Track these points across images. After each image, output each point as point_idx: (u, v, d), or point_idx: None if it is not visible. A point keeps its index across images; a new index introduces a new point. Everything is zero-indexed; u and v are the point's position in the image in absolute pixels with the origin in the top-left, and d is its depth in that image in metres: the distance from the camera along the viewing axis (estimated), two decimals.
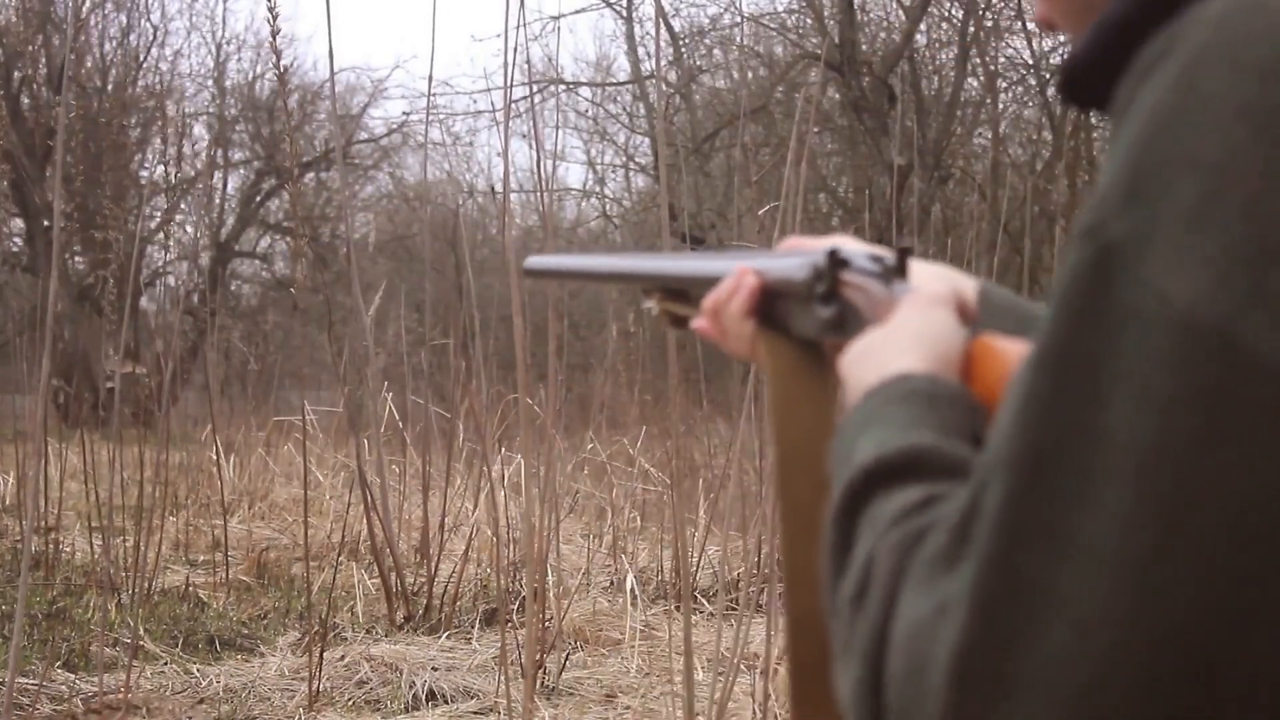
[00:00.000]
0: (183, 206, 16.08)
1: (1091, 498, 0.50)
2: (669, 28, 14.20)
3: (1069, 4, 0.73)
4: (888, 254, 0.81)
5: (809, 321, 0.82)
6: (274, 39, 4.19)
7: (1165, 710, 0.49)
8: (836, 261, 0.80)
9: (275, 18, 4.12)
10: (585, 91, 16.73)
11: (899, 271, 0.79)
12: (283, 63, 4.38)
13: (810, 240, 0.91)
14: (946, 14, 14.82)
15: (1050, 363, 0.52)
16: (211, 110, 18.50)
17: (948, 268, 0.87)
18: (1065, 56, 0.65)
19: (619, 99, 16.87)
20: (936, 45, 15.15)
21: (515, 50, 3.73)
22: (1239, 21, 0.52)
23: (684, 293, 0.97)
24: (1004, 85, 14.87)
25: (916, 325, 0.73)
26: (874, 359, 0.72)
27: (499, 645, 3.80)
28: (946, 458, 0.62)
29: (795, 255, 0.85)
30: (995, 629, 0.51)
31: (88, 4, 16.54)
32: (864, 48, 14.22)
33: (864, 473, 0.64)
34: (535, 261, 1.22)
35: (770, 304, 0.86)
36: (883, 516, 0.61)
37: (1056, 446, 0.51)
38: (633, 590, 4.74)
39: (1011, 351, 0.71)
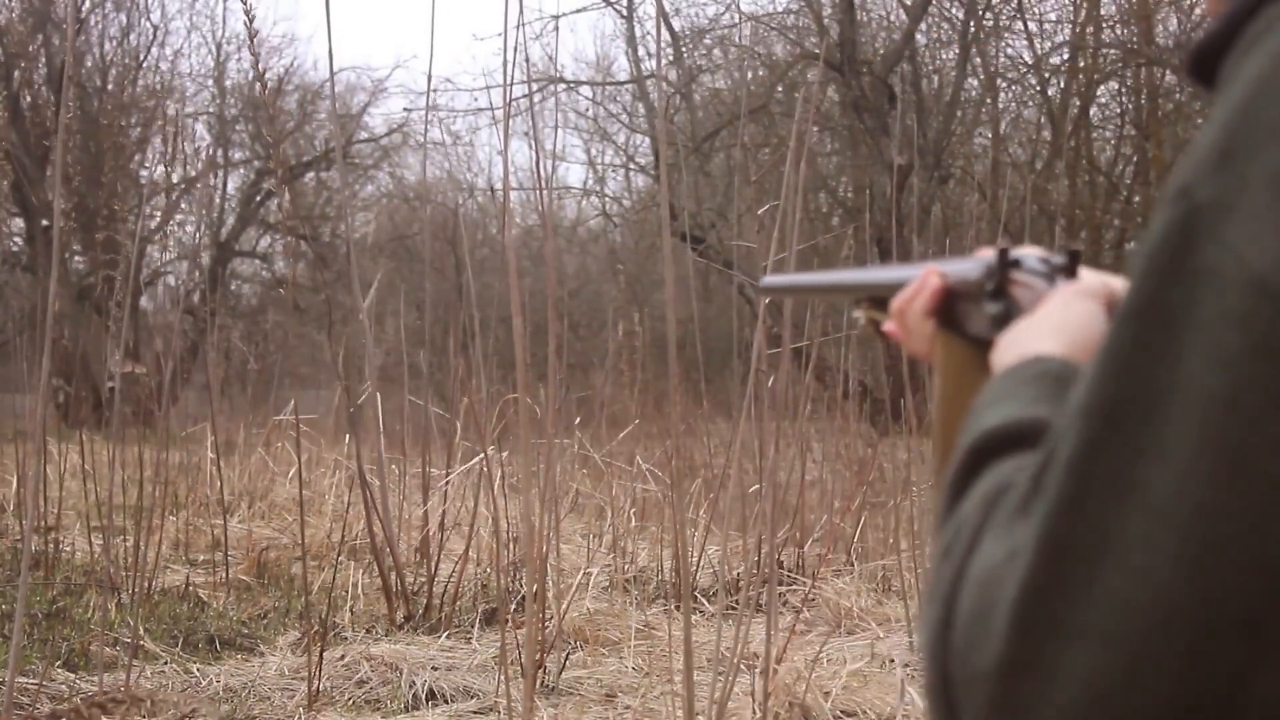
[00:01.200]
0: (183, 206, 16.09)
1: (1159, 449, 0.51)
2: (669, 27, 14.20)
3: None
4: (1058, 257, 0.84)
5: (980, 319, 0.85)
6: (252, 40, 4.19)
7: (1218, 662, 0.50)
8: (1006, 261, 0.83)
9: (252, 20, 4.12)
10: (585, 91, 16.74)
11: (1068, 271, 0.82)
12: (282, 62, 4.39)
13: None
14: (946, 14, 14.82)
15: (1131, 318, 0.54)
16: (211, 110, 18.51)
17: (1110, 276, 0.90)
18: (1198, 37, 0.66)
19: (619, 98, 16.89)
20: (937, 45, 15.15)
21: (515, 49, 3.73)
22: None
23: (886, 301, 1.01)
24: (1004, 85, 14.87)
25: (1060, 313, 0.76)
26: (1017, 344, 0.75)
27: (499, 645, 3.80)
28: None
29: (981, 260, 0.89)
30: (1058, 573, 0.53)
31: (87, 4, 16.54)
32: (864, 47, 14.22)
33: (983, 438, 0.66)
34: (771, 281, 1.30)
35: (951, 304, 0.89)
36: (992, 481, 0.63)
37: (1130, 398, 0.53)
38: (642, 586, 4.74)
39: None
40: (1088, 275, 0.85)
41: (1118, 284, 0.87)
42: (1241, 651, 0.50)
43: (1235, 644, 0.50)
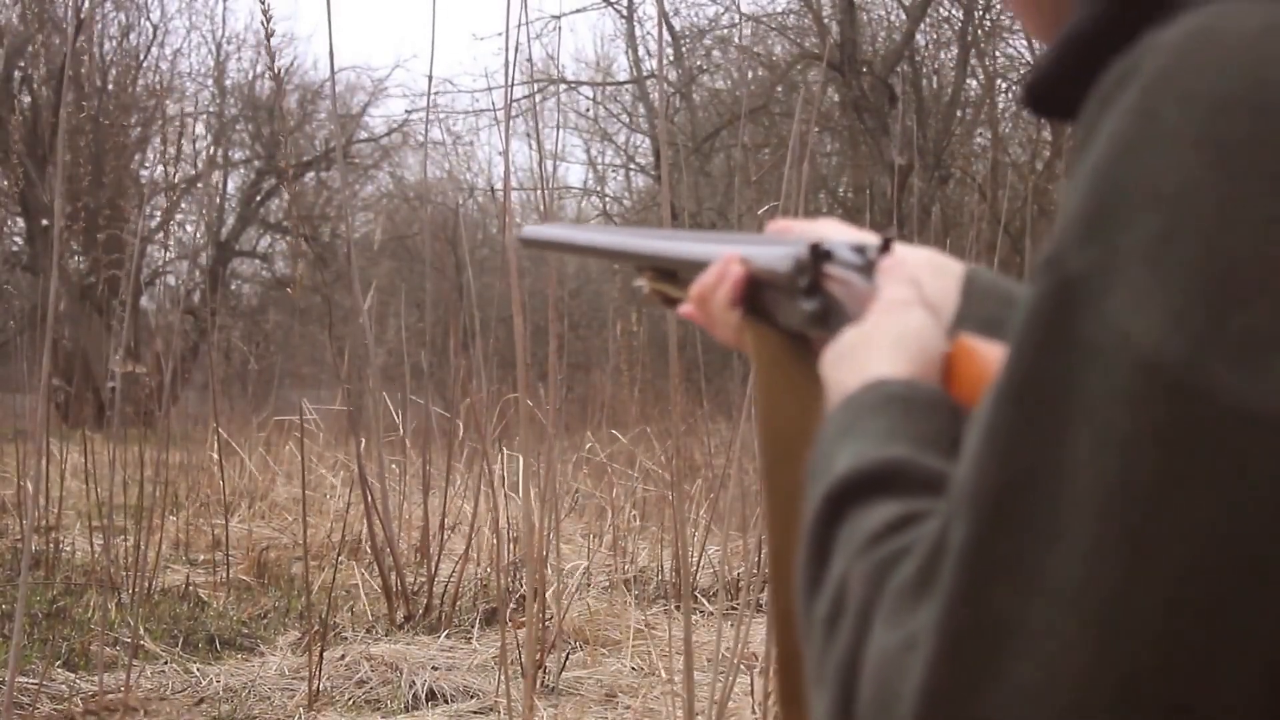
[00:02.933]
0: (183, 206, 16.10)
1: (1056, 535, 0.49)
2: (670, 27, 14.20)
3: (1037, 15, 0.72)
4: (873, 242, 0.81)
5: (793, 313, 0.81)
6: (268, 40, 4.19)
7: None
8: (819, 255, 0.79)
9: (269, 19, 4.11)
10: (585, 91, 16.74)
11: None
12: (282, 62, 4.38)
13: (799, 224, 0.91)
14: (947, 14, 14.82)
15: (1013, 396, 0.52)
16: (211, 110, 18.51)
17: (935, 252, 0.87)
18: (1032, 66, 0.65)
19: (619, 98, 16.89)
20: (937, 45, 15.16)
21: (516, 49, 3.73)
22: (1195, 51, 0.51)
23: (674, 274, 0.96)
24: (1004, 85, 14.87)
25: (895, 327, 0.72)
26: (852, 362, 0.72)
27: (499, 645, 3.80)
28: (923, 472, 0.62)
29: (782, 243, 0.85)
30: (962, 666, 0.51)
31: (87, 4, 16.54)
32: (864, 48, 14.22)
33: (840, 485, 0.63)
34: (532, 231, 1.21)
35: (756, 293, 0.85)
36: (858, 534, 0.61)
37: (1020, 483, 0.51)
38: (642, 586, 4.74)
39: (991, 354, 0.70)
40: (913, 259, 0.82)
41: (952, 267, 0.85)
42: None
43: None
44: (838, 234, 0.86)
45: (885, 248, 0.80)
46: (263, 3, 4.10)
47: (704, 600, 4.95)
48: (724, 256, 0.87)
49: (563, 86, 14.61)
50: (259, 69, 18.81)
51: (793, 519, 0.76)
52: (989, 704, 0.50)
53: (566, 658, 4.23)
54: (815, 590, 0.62)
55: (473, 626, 4.72)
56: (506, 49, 3.66)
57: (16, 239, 17.19)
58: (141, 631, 4.34)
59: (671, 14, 14.29)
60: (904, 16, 14.60)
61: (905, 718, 0.52)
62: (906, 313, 0.73)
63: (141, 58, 17.75)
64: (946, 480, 0.61)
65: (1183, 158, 0.50)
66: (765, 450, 0.81)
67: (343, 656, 4.25)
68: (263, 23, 4.13)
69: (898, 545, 0.58)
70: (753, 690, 3.71)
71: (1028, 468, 0.51)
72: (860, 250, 0.79)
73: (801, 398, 0.81)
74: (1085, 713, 0.49)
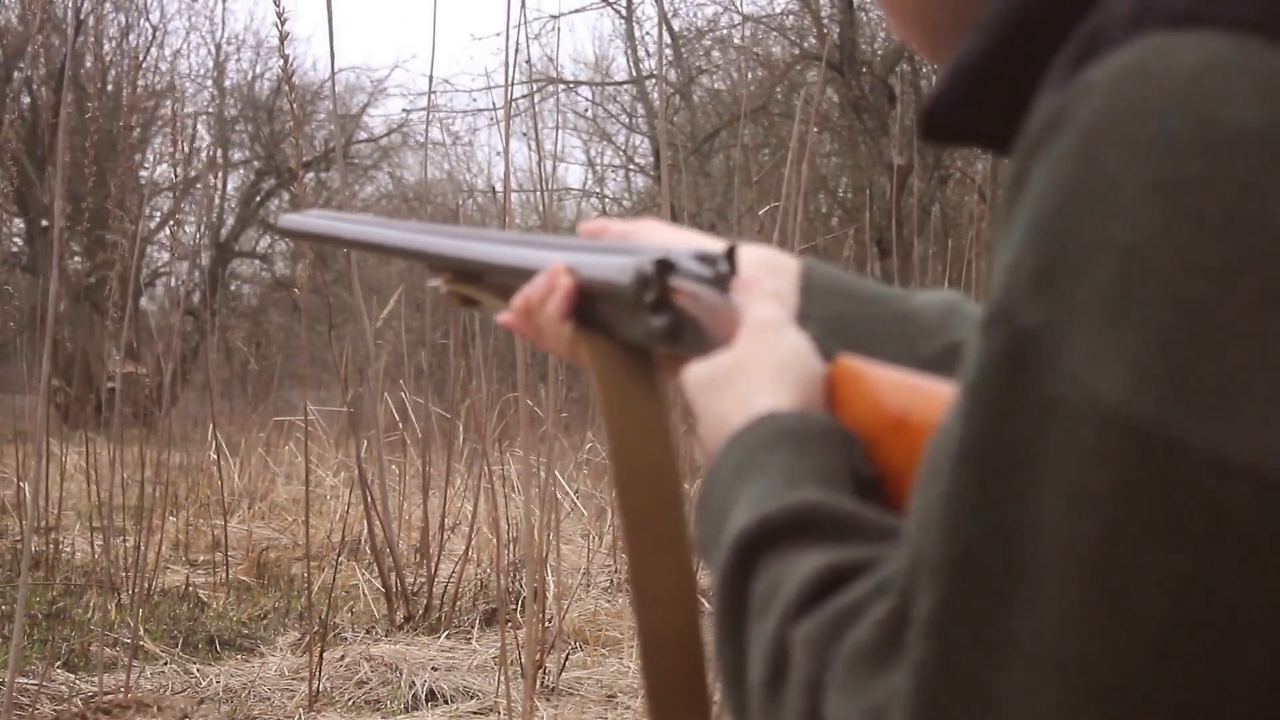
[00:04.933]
0: (183, 206, 16.09)
1: (1030, 600, 0.48)
2: (669, 28, 14.21)
3: (919, 32, 0.71)
4: (714, 248, 0.78)
5: (636, 328, 0.77)
6: (281, 42, 4.19)
7: None
8: (665, 268, 0.75)
9: (284, 21, 4.11)
10: (585, 91, 16.74)
11: (733, 274, 0.75)
12: (283, 63, 4.38)
13: (617, 224, 0.87)
14: None
15: (971, 458, 0.50)
16: (211, 110, 18.52)
17: (769, 249, 0.84)
18: (927, 95, 0.62)
19: (619, 99, 16.89)
20: None
21: (515, 49, 3.74)
22: (1131, 91, 0.49)
23: (479, 276, 0.91)
24: None
25: (772, 354, 0.70)
26: (731, 392, 0.69)
27: (499, 645, 3.80)
28: (835, 513, 0.61)
29: (608, 250, 0.81)
30: None
31: (87, 4, 16.55)
32: (863, 48, 14.22)
33: (748, 536, 0.61)
34: (292, 220, 1.11)
35: (589, 305, 0.80)
36: (784, 588, 0.59)
37: (988, 548, 0.49)
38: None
39: (875, 375, 0.69)
40: (752, 259, 0.79)
41: (787, 264, 0.82)
42: None
43: None
44: (670, 238, 0.83)
45: (730, 257, 0.76)
46: (277, 5, 4.10)
47: (703, 600, 4.95)
48: (551, 266, 0.82)
49: (562, 87, 14.62)
50: (259, 69, 18.83)
51: (651, 536, 0.75)
52: None
53: (566, 658, 4.23)
54: (737, 646, 0.60)
55: (473, 627, 4.72)
56: (505, 49, 3.67)
57: (16, 239, 17.19)
58: (141, 632, 4.34)
59: (671, 14, 14.29)
60: None
61: None
62: (780, 336, 0.71)
63: (141, 58, 17.75)
64: (861, 521, 0.60)
65: (1133, 204, 0.48)
66: (615, 468, 0.77)
67: (343, 657, 4.25)
68: (276, 25, 4.12)
69: (841, 605, 0.56)
70: None
71: (994, 532, 0.49)
72: (705, 260, 0.76)
73: (646, 412, 0.79)
74: None
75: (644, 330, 0.77)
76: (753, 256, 0.80)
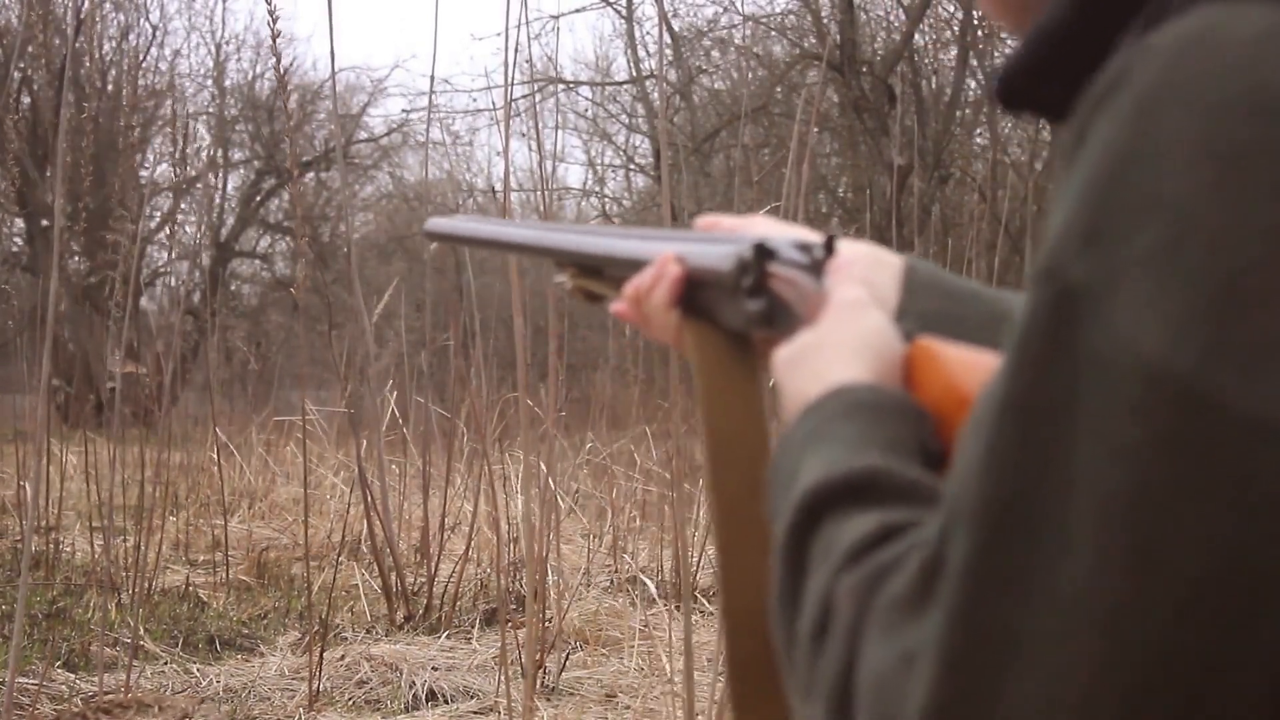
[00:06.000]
0: (183, 206, 16.09)
1: (1062, 548, 0.49)
2: (669, 28, 14.20)
3: (1009, 8, 0.72)
4: (815, 239, 0.80)
5: (736, 313, 0.80)
6: (274, 40, 4.19)
7: None
8: (763, 253, 0.78)
9: (275, 20, 4.12)
10: (585, 91, 16.74)
11: (830, 260, 0.77)
12: (282, 63, 4.38)
13: (729, 220, 0.89)
14: (947, 14, 14.82)
15: (1014, 409, 0.51)
16: (211, 110, 18.51)
17: (874, 246, 0.86)
18: (1004, 60, 0.64)
19: (619, 99, 16.89)
20: (936, 45, 15.15)
21: (515, 49, 3.73)
22: (1192, 56, 0.51)
23: (599, 270, 0.94)
24: None
25: (853, 331, 0.71)
26: (811, 367, 0.71)
27: (499, 645, 3.80)
28: (898, 479, 0.62)
29: (718, 240, 0.83)
30: (966, 683, 0.50)
31: (87, 4, 16.54)
32: (864, 48, 14.22)
33: (813, 495, 0.62)
34: (437, 224, 1.17)
35: (694, 292, 0.83)
36: (837, 546, 0.60)
37: (1025, 496, 0.50)
38: (644, 588, 4.74)
39: (950, 355, 0.70)
40: (854, 254, 0.81)
41: (891, 260, 0.84)
42: None
43: None
44: (776, 231, 0.85)
45: (829, 246, 0.79)
46: (269, 4, 4.10)
47: (704, 600, 4.95)
48: (661, 256, 0.85)
49: (562, 87, 14.63)
50: (259, 69, 18.82)
51: (742, 522, 0.76)
52: (994, 718, 0.49)
53: (566, 658, 4.23)
54: (794, 603, 0.61)
55: (473, 627, 4.72)
56: (505, 49, 3.66)
57: (17, 239, 17.19)
58: (141, 632, 4.34)
59: (671, 14, 14.29)
60: (904, 17, 14.60)
61: None
62: (863, 315, 0.72)
63: (141, 58, 17.75)
64: (922, 488, 0.61)
65: (1185, 165, 0.49)
66: (710, 453, 0.79)
67: (343, 657, 4.25)
68: (269, 23, 4.13)
69: (884, 558, 0.57)
70: None
71: (1033, 481, 0.50)
72: (804, 248, 0.78)
73: (745, 398, 0.80)
74: None
75: (742, 315, 0.79)
76: (856, 251, 0.82)
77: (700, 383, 0.81)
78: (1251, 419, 0.47)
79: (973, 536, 0.51)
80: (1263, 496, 0.47)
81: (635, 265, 0.88)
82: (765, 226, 0.87)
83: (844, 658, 0.56)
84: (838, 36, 13.21)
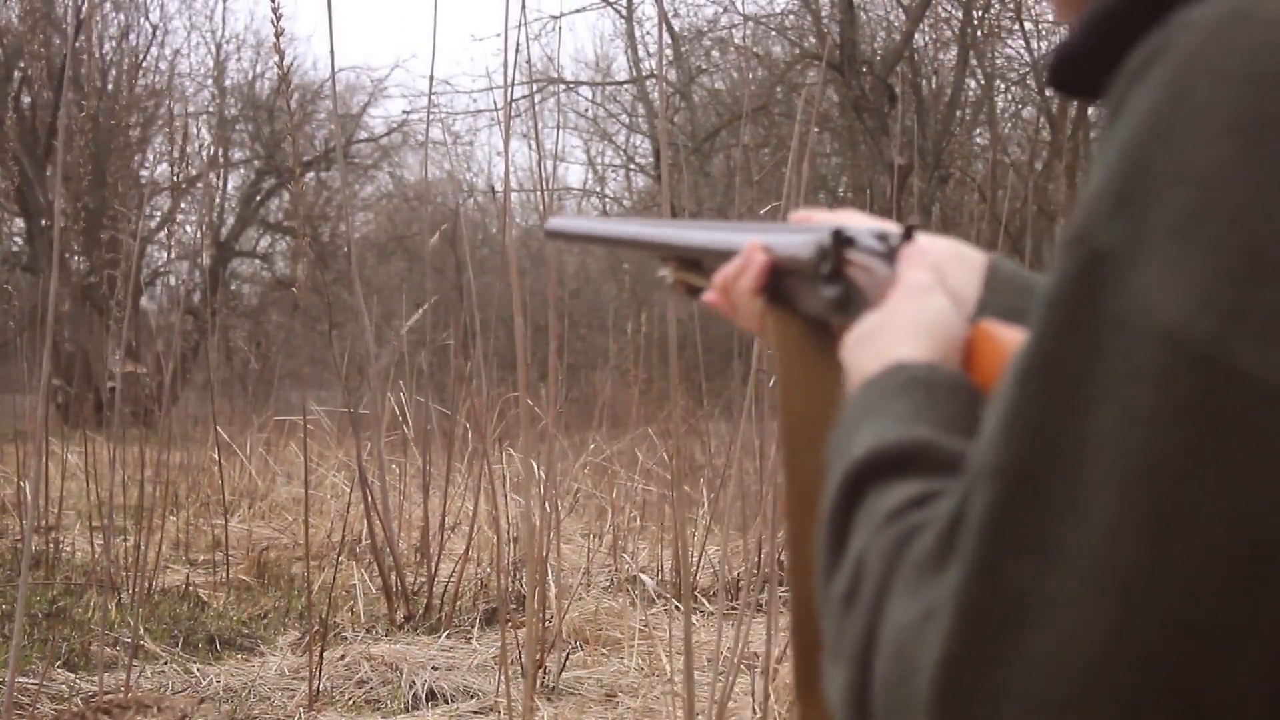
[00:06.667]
0: (183, 206, 16.09)
1: (1077, 509, 0.50)
2: (669, 28, 14.20)
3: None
4: (894, 230, 0.81)
5: (814, 299, 0.82)
6: (277, 39, 4.19)
7: None
8: (841, 241, 0.79)
9: (279, 18, 4.12)
10: (585, 91, 16.74)
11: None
12: (285, 62, 4.37)
13: (821, 213, 0.91)
14: (946, 14, 14.82)
15: (1037, 370, 0.52)
16: (211, 110, 18.51)
17: (959, 242, 0.87)
18: (1057, 45, 0.65)
19: (619, 99, 16.89)
20: (936, 45, 15.15)
21: (515, 50, 3.74)
22: (1229, 30, 0.52)
23: (698, 263, 0.97)
24: (1003, 85, 14.87)
25: (915, 311, 0.73)
26: (873, 345, 0.72)
27: (499, 645, 3.80)
28: (943, 452, 0.62)
29: (803, 230, 0.85)
30: (980, 639, 0.51)
31: (87, 4, 16.54)
32: (864, 48, 14.22)
33: (860, 465, 0.64)
34: (557, 223, 1.21)
35: (779, 281, 0.86)
36: (878, 513, 0.61)
37: (1042, 456, 0.51)
38: (646, 588, 4.74)
39: (1011, 338, 0.71)
40: (935, 248, 0.82)
41: (973, 257, 0.85)
42: (1172, 715, 0.48)
43: (1168, 709, 0.48)
44: (860, 222, 0.87)
45: (908, 236, 0.80)
46: (273, 3, 4.10)
47: (704, 600, 4.95)
48: (748, 245, 0.88)
49: (562, 87, 14.62)
50: (259, 69, 18.82)
51: (813, 507, 0.76)
52: (1006, 675, 0.50)
53: (566, 658, 4.23)
54: (834, 569, 0.62)
55: (473, 626, 4.71)
56: (506, 49, 3.66)
57: (16, 239, 17.19)
58: (141, 631, 4.34)
59: (671, 14, 14.29)
60: (904, 16, 14.60)
61: (922, 689, 0.52)
62: (927, 297, 0.74)
63: (141, 58, 17.75)
64: (965, 462, 0.61)
65: (1214, 136, 0.50)
66: (785, 438, 0.81)
67: (343, 656, 4.25)
68: (273, 21, 4.12)
69: (916, 520, 0.58)
70: (753, 690, 3.71)
71: (1051, 441, 0.51)
72: (883, 237, 0.80)
73: (822, 385, 0.81)
74: (1101, 686, 0.49)
75: (820, 301, 0.81)
76: (937, 244, 0.83)
77: (779, 369, 0.84)
78: (1267, 386, 0.48)
79: (991, 494, 0.52)
80: (1272, 465, 0.48)
81: (728, 256, 0.90)
82: (855, 219, 0.88)
83: (870, 615, 0.57)
84: (838, 36, 13.21)
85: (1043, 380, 0.52)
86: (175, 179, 15.31)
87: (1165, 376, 0.49)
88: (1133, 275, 0.50)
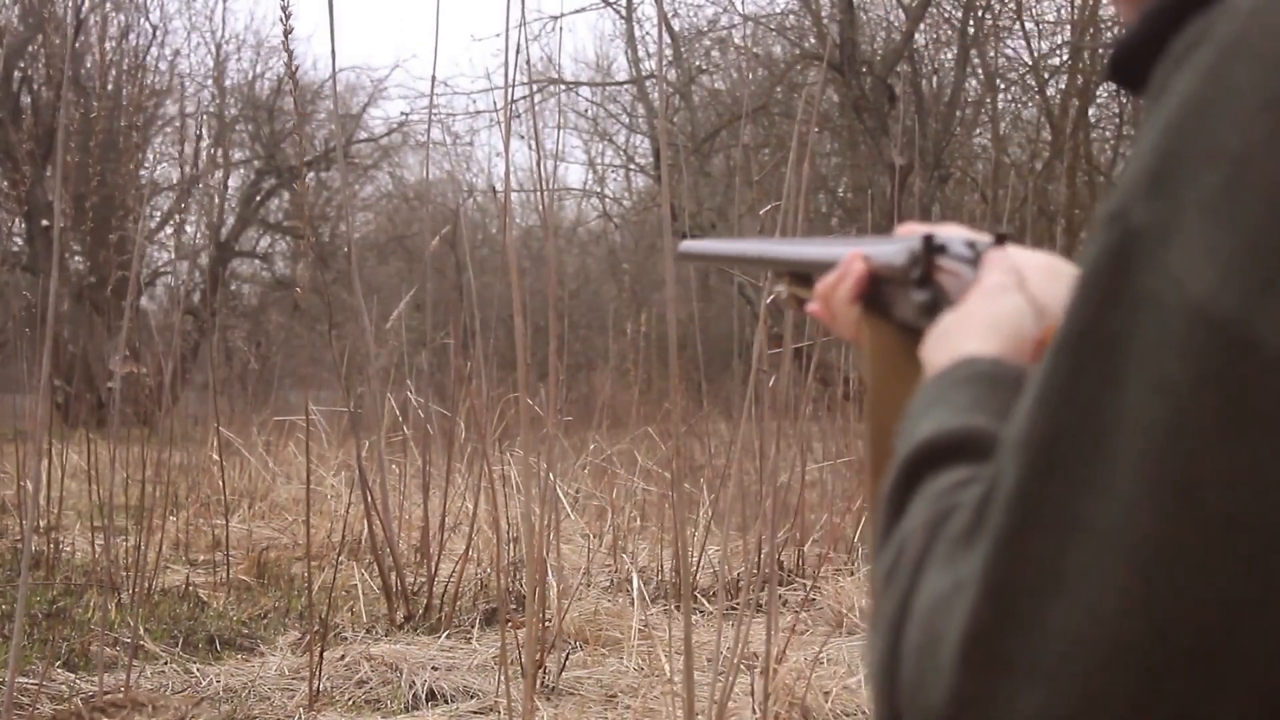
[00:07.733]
0: (183, 206, 16.08)
1: (1103, 481, 0.51)
2: (669, 28, 14.20)
3: None
4: (985, 239, 0.83)
5: (907, 305, 0.83)
6: (286, 38, 4.18)
7: (1170, 696, 0.50)
8: (931, 247, 0.81)
9: (289, 16, 4.12)
10: (585, 91, 16.74)
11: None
12: (282, 62, 4.37)
13: (922, 226, 0.92)
14: (947, 14, 14.82)
15: (1069, 345, 0.53)
16: (211, 110, 18.51)
17: (1052, 255, 0.88)
18: (1117, 38, 0.66)
19: (619, 99, 16.89)
20: (936, 45, 15.15)
21: (515, 50, 3.73)
22: (1268, 14, 0.53)
23: (809, 277, 0.99)
24: (1003, 86, 14.87)
25: (988, 309, 0.74)
26: (946, 342, 0.74)
27: (499, 645, 3.80)
28: (998, 440, 0.63)
29: (903, 240, 0.87)
30: (1005, 609, 0.52)
31: (87, 4, 16.54)
32: (864, 48, 14.22)
33: (917, 451, 0.65)
34: (689, 246, 1.26)
35: (876, 289, 0.88)
36: (928, 495, 0.62)
37: (1070, 429, 0.52)
38: (639, 589, 4.74)
39: None
40: (1028, 261, 0.83)
41: (1066, 269, 0.86)
42: (1193, 687, 0.49)
43: (1187, 679, 0.49)
44: (955, 232, 0.88)
45: (999, 243, 0.81)
46: (283, 3, 4.11)
47: (704, 600, 4.95)
48: (849, 254, 0.90)
49: (562, 87, 14.62)
50: (259, 69, 18.81)
51: None
52: (1029, 646, 0.51)
53: (566, 658, 4.23)
54: (883, 549, 0.63)
55: (473, 626, 4.71)
56: (506, 49, 3.66)
57: (17, 239, 17.19)
58: (141, 631, 4.34)
59: (671, 14, 14.29)
60: (904, 16, 14.60)
61: (948, 659, 0.53)
62: (1001, 297, 0.75)
63: (141, 58, 17.74)
64: None
65: (1249, 115, 0.51)
66: (871, 444, 0.82)
67: (343, 656, 4.25)
68: (281, 20, 4.12)
69: (958, 499, 0.59)
70: (753, 690, 3.71)
71: (1078, 415, 0.52)
72: (972, 245, 0.81)
73: (910, 392, 0.82)
74: (1122, 657, 0.50)
75: (910, 306, 0.82)
76: (1033, 258, 0.84)
77: (871, 375, 0.85)
78: None
79: (1020, 467, 0.53)
80: None
81: (834, 268, 0.93)
82: (952, 229, 0.90)
83: (906, 586, 0.58)
84: (838, 36, 13.21)
85: (1074, 353, 0.53)
86: (183, 176, 15.31)
87: (1192, 349, 0.50)
88: (1166, 251, 0.51)
